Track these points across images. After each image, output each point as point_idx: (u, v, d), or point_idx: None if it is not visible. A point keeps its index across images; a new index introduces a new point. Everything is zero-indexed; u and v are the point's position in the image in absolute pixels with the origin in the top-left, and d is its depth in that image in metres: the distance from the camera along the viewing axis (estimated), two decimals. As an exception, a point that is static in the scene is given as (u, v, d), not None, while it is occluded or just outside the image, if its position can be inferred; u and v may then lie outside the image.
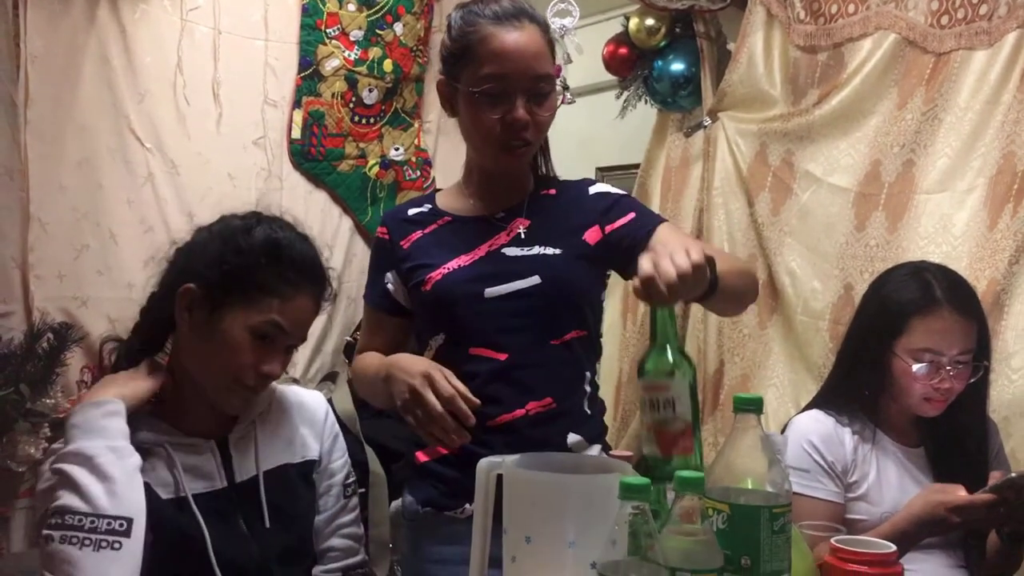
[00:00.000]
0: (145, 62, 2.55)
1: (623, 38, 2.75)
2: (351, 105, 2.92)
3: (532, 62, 1.31)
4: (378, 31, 2.95)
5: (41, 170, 2.36)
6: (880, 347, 1.56)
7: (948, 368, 1.50)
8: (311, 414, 1.36)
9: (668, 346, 1.00)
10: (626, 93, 2.79)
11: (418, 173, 3.06)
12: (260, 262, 1.20)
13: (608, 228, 1.38)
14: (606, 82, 2.93)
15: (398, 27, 2.97)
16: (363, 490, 2.07)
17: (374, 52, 2.93)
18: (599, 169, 3.57)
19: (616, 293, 2.77)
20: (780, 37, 2.46)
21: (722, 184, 2.55)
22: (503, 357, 1.33)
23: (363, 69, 2.92)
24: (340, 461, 1.37)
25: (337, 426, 1.39)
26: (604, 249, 1.38)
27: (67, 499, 1.06)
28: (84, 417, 1.12)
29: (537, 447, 1.13)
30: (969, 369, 1.52)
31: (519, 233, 1.38)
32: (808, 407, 1.66)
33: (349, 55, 2.90)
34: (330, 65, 2.87)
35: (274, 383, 1.33)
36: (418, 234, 1.42)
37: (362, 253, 2.90)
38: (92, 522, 1.05)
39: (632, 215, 1.39)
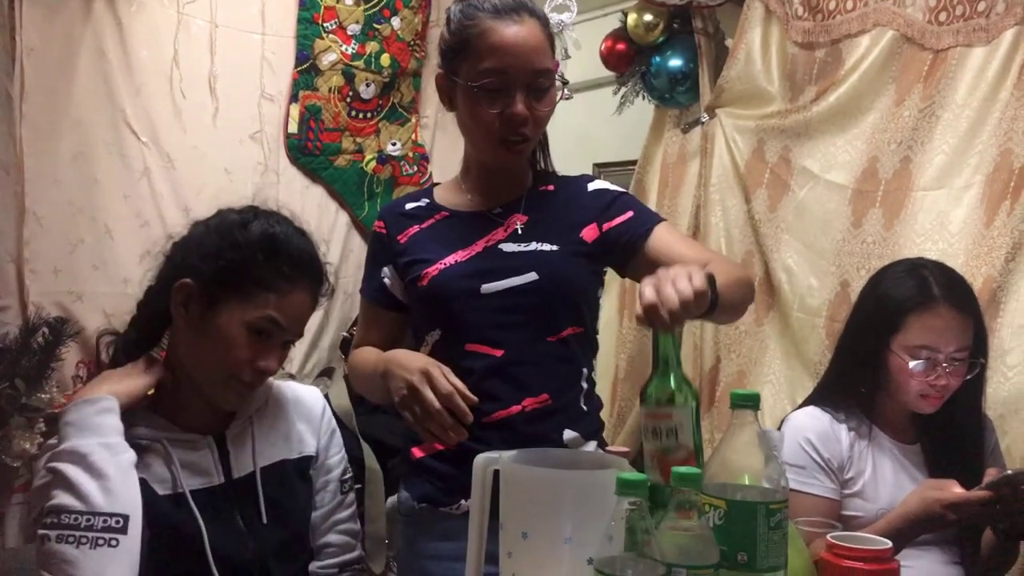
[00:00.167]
0: (141, 56, 2.54)
1: (621, 34, 2.75)
2: (348, 100, 2.91)
3: (532, 57, 1.30)
4: (375, 25, 2.94)
5: (37, 164, 2.35)
6: (877, 344, 1.56)
7: (944, 365, 1.50)
8: (308, 410, 1.36)
9: (671, 374, 1.00)
10: (624, 89, 2.79)
11: (415, 168, 3.06)
12: (256, 257, 1.19)
13: (606, 226, 1.38)
14: (604, 78, 2.92)
15: (395, 21, 2.97)
16: (359, 486, 2.07)
17: (371, 46, 2.93)
18: (596, 165, 3.57)
19: (613, 290, 2.77)
20: (778, 33, 2.46)
21: (719, 180, 2.55)
22: (499, 353, 1.32)
23: (360, 63, 2.91)
24: (337, 457, 1.37)
25: (334, 422, 1.39)
26: (601, 246, 1.38)
27: (62, 498, 1.06)
28: (78, 415, 1.12)
29: (533, 443, 1.13)
30: (965, 366, 1.53)
31: (516, 229, 1.38)
32: (804, 403, 1.67)
33: (346, 49, 2.89)
34: (327, 59, 2.86)
35: (271, 379, 1.32)
36: (415, 229, 1.42)
37: (359, 248, 2.90)
38: (88, 520, 1.05)
39: (630, 213, 1.39)
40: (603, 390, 2.79)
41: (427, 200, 1.46)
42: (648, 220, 1.38)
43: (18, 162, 2.31)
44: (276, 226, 1.24)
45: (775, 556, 0.91)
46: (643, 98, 2.78)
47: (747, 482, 0.93)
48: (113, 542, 1.04)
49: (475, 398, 1.20)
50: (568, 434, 1.34)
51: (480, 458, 1.03)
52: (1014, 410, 1.89)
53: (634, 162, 2.89)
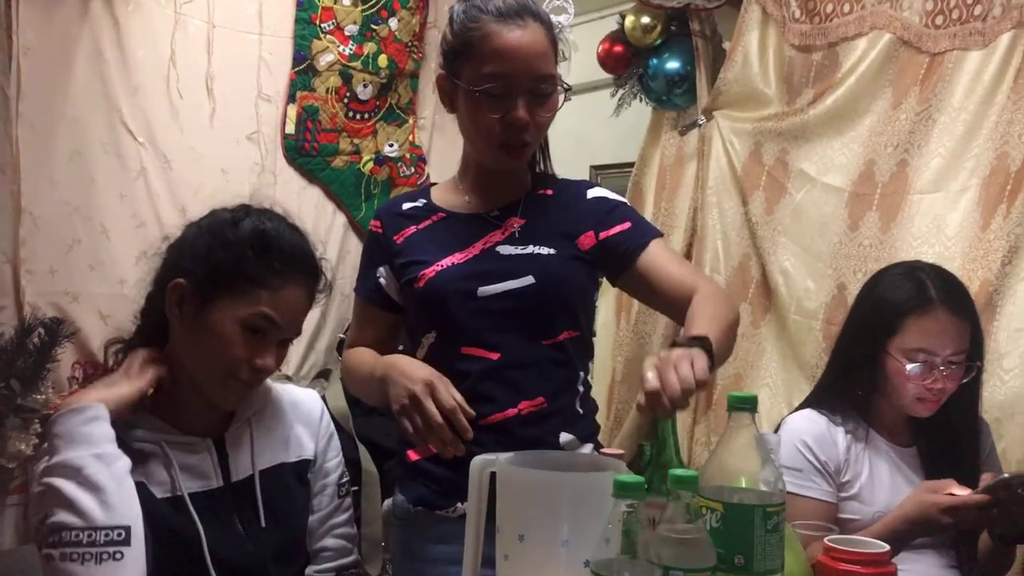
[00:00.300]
0: (138, 56, 2.54)
1: (618, 36, 2.75)
2: (345, 100, 2.91)
3: (535, 62, 1.29)
4: (373, 26, 2.93)
5: (33, 164, 2.35)
6: (874, 347, 1.56)
7: (941, 368, 1.50)
8: (307, 413, 1.35)
9: (670, 461, 0.98)
10: (621, 91, 2.79)
11: (412, 169, 3.06)
12: (248, 254, 1.19)
13: (603, 234, 1.38)
14: (601, 80, 2.92)
15: (393, 22, 2.96)
16: (356, 488, 2.07)
17: (369, 47, 2.92)
18: (594, 167, 3.57)
19: (610, 292, 2.77)
20: (775, 36, 2.47)
21: (716, 183, 2.55)
22: (495, 356, 1.32)
23: (358, 64, 2.91)
24: (335, 461, 1.36)
25: (332, 426, 1.38)
26: (598, 254, 1.38)
27: (61, 515, 1.05)
28: (65, 426, 1.10)
29: (529, 446, 1.13)
30: (962, 369, 1.53)
31: (514, 232, 1.38)
32: (801, 406, 1.67)
33: (344, 50, 2.89)
34: (325, 60, 2.86)
35: (270, 382, 1.32)
36: (412, 229, 1.41)
37: (356, 250, 2.89)
38: (90, 536, 1.04)
39: (628, 224, 1.39)
40: (600, 393, 2.79)
41: (424, 200, 1.45)
42: (645, 233, 1.38)
43: (14, 161, 2.30)
44: (267, 222, 1.24)
45: (772, 559, 0.91)
46: (640, 100, 2.78)
47: (744, 485, 0.93)
48: (118, 555, 1.04)
49: (472, 412, 1.19)
50: (564, 437, 1.34)
51: (477, 460, 1.03)
52: (1010, 414, 1.89)
53: (631, 164, 2.89)
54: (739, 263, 2.50)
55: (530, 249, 1.35)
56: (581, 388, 1.39)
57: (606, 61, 2.79)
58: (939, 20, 2.17)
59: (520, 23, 1.29)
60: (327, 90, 2.87)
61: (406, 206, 1.45)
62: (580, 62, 2.78)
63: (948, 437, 1.57)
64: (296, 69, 2.82)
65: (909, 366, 1.50)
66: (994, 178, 2.02)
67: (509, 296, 1.32)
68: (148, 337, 1.26)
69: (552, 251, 1.35)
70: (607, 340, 2.82)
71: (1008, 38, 2.04)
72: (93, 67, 2.46)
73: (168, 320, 1.22)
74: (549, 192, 1.44)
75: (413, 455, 1.37)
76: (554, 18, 1.37)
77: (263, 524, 1.24)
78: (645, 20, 2.67)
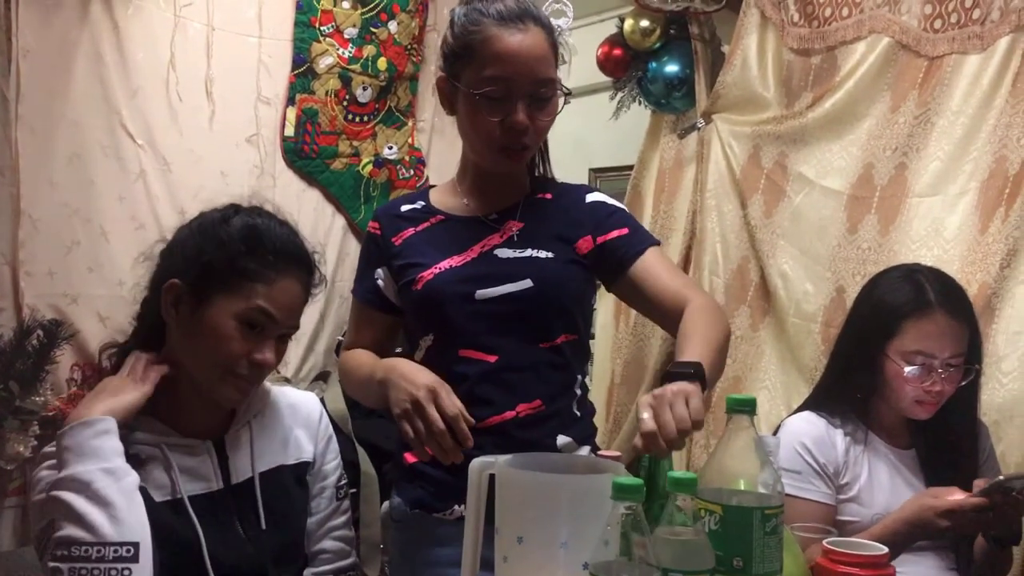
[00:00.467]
0: (138, 58, 2.54)
1: (618, 39, 2.75)
2: (345, 103, 2.91)
3: (535, 66, 1.30)
4: (372, 29, 2.94)
5: (32, 166, 2.35)
6: (872, 349, 1.56)
7: (940, 371, 1.51)
8: (306, 416, 1.35)
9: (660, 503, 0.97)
10: (620, 94, 2.79)
11: (412, 172, 3.06)
12: (240, 249, 1.19)
13: (600, 239, 1.38)
14: (600, 83, 2.93)
15: (392, 25, 2.97)
16: (354, 490, 2.07)
17: (368, 50, 2.93)
18: (592, 170, 3.57)
19: (610, 295, 2.77)
20: (774, 40, 2.47)
21: (715, 186, 2.55)
22: (493, 359, 1.32)
23: (357, 67, 2.91)
24: (333, 463, 1.36)
25: (331, 428, 1.38)
26: (595, 259, 1.38)
27: (70, 530, 1.05)
28: (75, 439, 1.10)
29: (527, 448, 1.13)
30: (960, 372, 1.53)
31: (512, 235, 1.38)
32: (800, 409, 1.67)
33: (343, 53, 2.89)
34: (324, 63, 2.86)
35: (269, 384, 1.32)
36: (410, 231, 1.41)
37: (355, 252, 2.88)
38: (99, 551, 1.04)
39: (626, 230, 1.39)
40: (599, 395, 2.79)
41: (423, 203, 1.45)
42: (642, 241, 1.38)
43: (13, 164, 2.31)
44: (257, 218, 1.24)
45: (771, 561, 0.91)
46: (639, 103, 2.78)
47: (743, 487, 0.93)
48: (126, 572, 1.04)
49: (473, 420, 1.19)
50: (561, 439, 1.34)
51: (476, 462, 1.03)
52: (1009, 416, 1.89)
53: (630, 167, 2.89)
54: (738, 266, 2.50)
55: (528, 253, 1.35)
56: (578, 391, 1.39)
57: (605, 64, 2.80)
58: (937, 24, 2.17)
59: (521, 27, 1.29)
60: (326, 93, 2.87)
61: (404, 208, 1.45)
62: (579, 65, 2.76)
63: (947, 440, 1.57)
64: (295, 72, 2.82)
65: (908, 369, 1.51)
66: (992, 181, 2.02)
67: (507, 299, 1.32)
68: (144, 341, 1.26)
69: (550, 255, 1.35)
70: (606, 342, 2.82)
71: (1006, 42, 2.04)
72: (93, 70, 2.46)
73: (164, 323, 1.22)
74: (548, 196, 1.44)
75: (410, 457, 1.36)
76: (553, 21, 1.37)
77: (263, 526, 1.23)
78: (644, 23, 2.67)
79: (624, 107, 2.80)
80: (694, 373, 1.09)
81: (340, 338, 2.72)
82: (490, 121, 1.30)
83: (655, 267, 1.35)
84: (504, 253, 1.36)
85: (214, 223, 1.23)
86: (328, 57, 2.86)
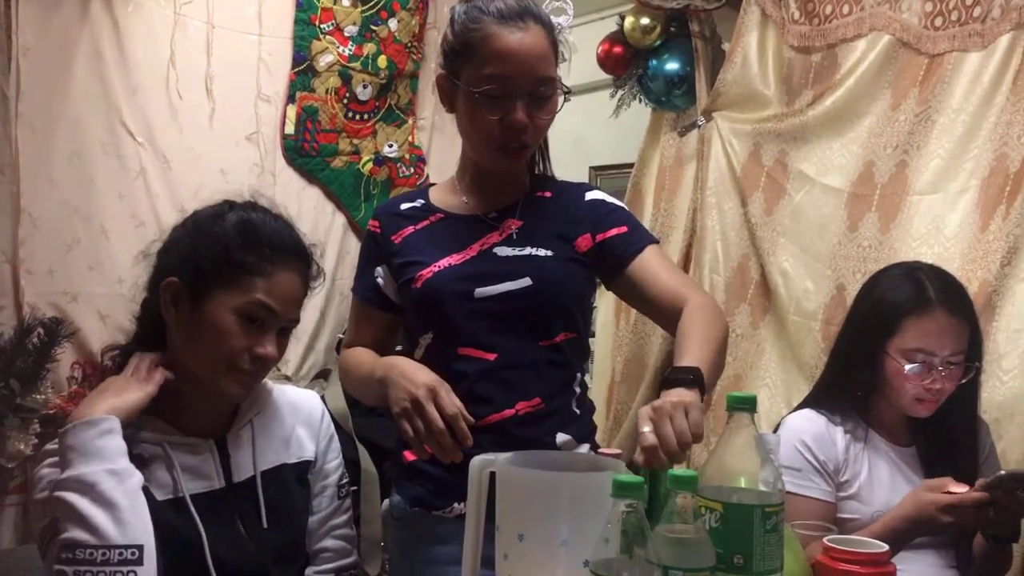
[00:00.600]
0: (138, 56, 2.54)
1: (618, 37, 2.75)
2: (345, 101, 2.91)
3: (535, 65, 1.29)
4: (372, 27, 2.94)
5: (32, 164, 2.35)
6: (873, 347, 1.56)
7: (940, 369, 1.51)
8: (307, 414, 1.35)
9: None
10: (620, 92, 2.79)
11: (412, 170, 3.06)
12: (236, 244, 1.19)
13: (600, 236, 1.38)
14: (600, 81, 2.92)
15: (392, 23, 2.97)
16: (355, 488, 2.07)
17: (368, 48, 2.93)
18: (593, 168, 3.57)
19: (609, 293, 2.77)
20: (774, 37, 2.47)
21: (716, 184, 2.55)
22: (492, 357, 1.32)
23: (357, 65, 2.91)
24: (335, 462, 1.36)
25: (333, 427, 1.38)
26: (594, 256, 1.38)
27: (74, 532, 1.04)
28: (79, 439, 1.09)
29: (526, 446, 1.13)
30: (961, 370, 1.53)
31: (512, 233, 1.38)
32: (800, 406, 1.67)
33: (343, 51, 2.89)
34: (324, 61, 2.86)
35: (270, 383, 1.32)
36: (410, 229, 1.41)
37: (355, 250, 2.88)
38: (103, 554, 1.03)
39: (625, 228, 1.39)
40: (599, 393, 2.79)
41: (422, 201, 1.45)
42: (641, 239, 1.38)
43: (13, 162, 2.31)
44: (252, 213, 1.24)
45: (771, 559, 0.92)
46: (640, 101, 2.78)
47: (743, 485, 0.93)
48: (131, 574, 1.04)
49: (472, 420, 1.19)
50: (561, 437, 1.34)
51: (476, 460, 1.03)
52: (1009, 414, 1.89)
53: (630, 165, 2.89)
54: (738, 264, 2.50)
55: (528, 251, 1.35)
56: (578, 389, 1.39)
57: (605, 62, 2.79)
58: (938, 21, 2.17)
59: (521, 25, 1.29)
60: (326, 91, 2.87)
61: (404, 206, 1.45)
62: (579, 63, 2.75)
63: (947, 437, 1.57)
64: (296, 70, 2.82)
65: (908, 366, 1.51)
66: (993, 179, 2.02)
67: (506, 298, 1.32)
68: (145, 341, 1.26)
69: (550, 253, 1.35)
70: (607, 340, 2.82)
71: (1007, 39, 2.04)
72: (93, 68, 2.46)
73: (164, 323, 1.22)
74: (547, 194, 1.44)
75: (409, 455, 1.36)
76: (553, 19, 1.37)
77: (265, 525, 1.23)
78: (645, 21, 2.67)
79: (624, 105, 2.79)
80: (693, 379, 1.09)
81: (340, 336, 2.72)
82: (489, 119, 1.30)
83: (653, 265, 1.35)
84: (503, 251, 1.36)
85: (209, 219, 1.23)
86: (328, 55, 2.86)
